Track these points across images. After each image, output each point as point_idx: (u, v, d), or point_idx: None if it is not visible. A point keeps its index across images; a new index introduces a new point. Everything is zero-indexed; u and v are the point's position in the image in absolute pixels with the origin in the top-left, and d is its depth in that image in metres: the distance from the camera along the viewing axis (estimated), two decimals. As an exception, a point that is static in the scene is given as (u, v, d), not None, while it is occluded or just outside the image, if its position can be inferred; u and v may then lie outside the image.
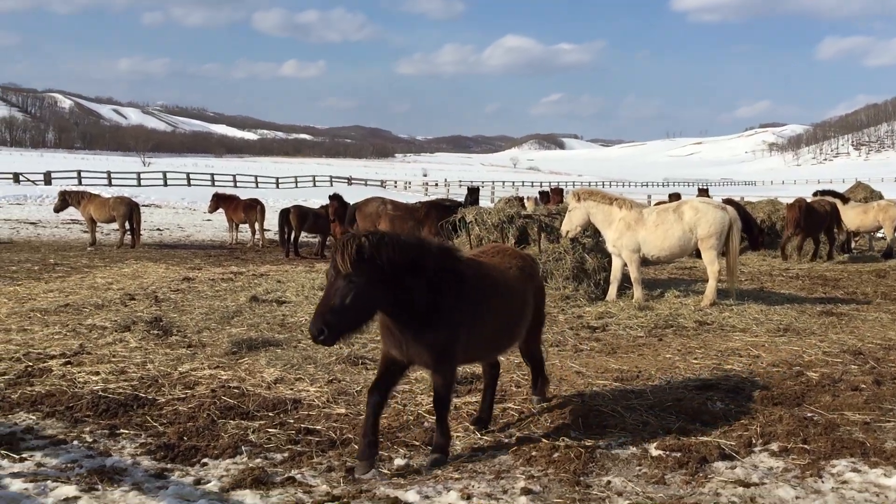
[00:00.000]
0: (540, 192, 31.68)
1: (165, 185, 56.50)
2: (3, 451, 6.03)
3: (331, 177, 72.81)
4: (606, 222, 13.15)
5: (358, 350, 9.60)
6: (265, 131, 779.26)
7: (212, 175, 63.25)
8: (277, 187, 63.04)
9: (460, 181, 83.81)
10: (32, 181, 52.03)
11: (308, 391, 7.94)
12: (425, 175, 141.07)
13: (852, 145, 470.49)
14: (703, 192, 29.70)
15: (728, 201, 20.14)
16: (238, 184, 61.28)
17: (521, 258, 6.95)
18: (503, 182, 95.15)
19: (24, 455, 6.01)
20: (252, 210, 26.44)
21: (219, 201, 27.86)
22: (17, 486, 5.34)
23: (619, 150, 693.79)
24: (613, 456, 6.21)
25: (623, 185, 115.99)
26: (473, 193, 20.12)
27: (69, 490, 5.28)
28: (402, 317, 5.62)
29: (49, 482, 5.42)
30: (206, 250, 24.58)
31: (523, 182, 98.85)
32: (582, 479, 5.71)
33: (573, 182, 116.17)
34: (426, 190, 67.18)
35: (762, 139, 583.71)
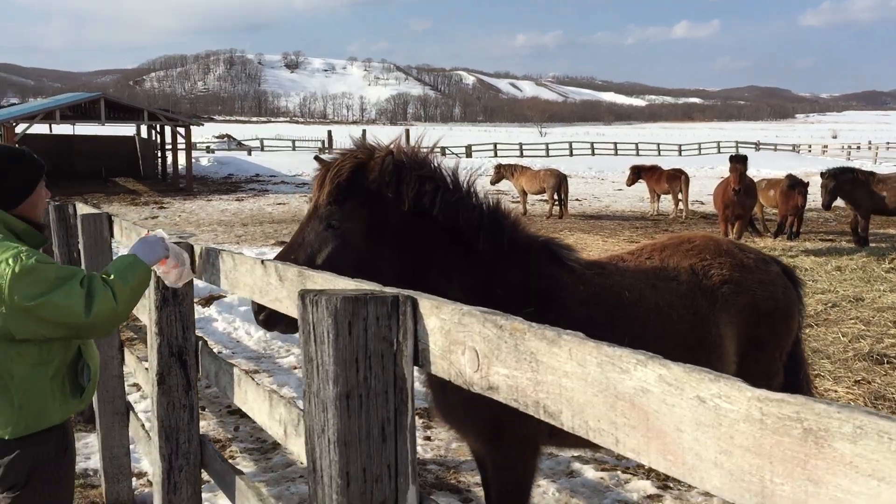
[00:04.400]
0: None
1: (571, 154, 58.21)
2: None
3: (736, 142, 68.91)
4: None
5: (874, 345, 8.47)
6: (653, 97, 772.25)
7: (615, 144, 63.66)
8: (680, 154, 61.45)
9: (887, 143, 73.99)
10: (456, 154, 57.08)
11: (836, 391, 7.12)
12: (835, 136, 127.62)
13: None
14: None
15: None
16: (640, 152, 60.97)
17: (710, 254, 3.80)
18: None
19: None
20: (676, 180, 25.74)
21: (639, 173, 27.59)
22: (591, 474, 5.35)
23: None
24: None
25: None
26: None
27: (644, 485, 5.15)
28: None
29: (619, 472, 5.36)
30: (629, 221, 24.49)
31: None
32: None
33: None
34: (848, 154, 60.42)
35: None
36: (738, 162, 16.15)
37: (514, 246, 3.26)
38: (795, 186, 18.08)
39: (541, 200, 28.46)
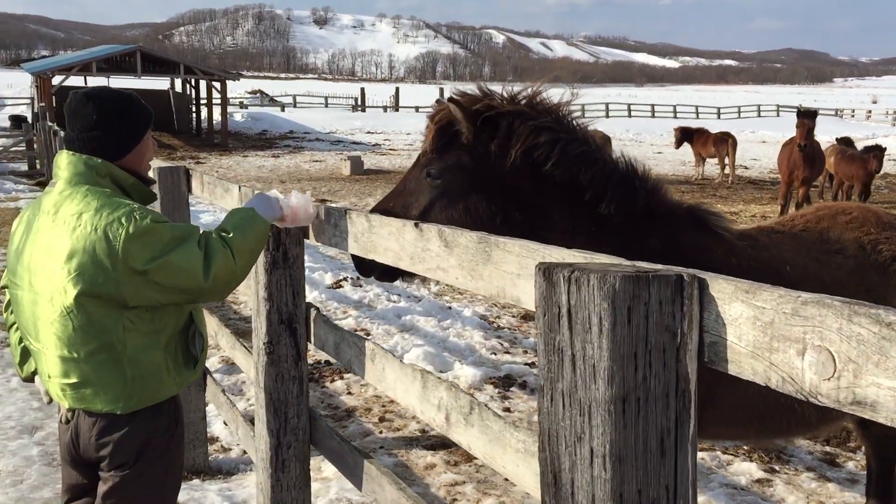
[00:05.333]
0: None
1: (607, 116, 57.18)
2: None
3: (777, 105, 67.32)
4: None
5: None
6: (686, 58, 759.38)
7: (651, 106, 62.46)
8: (719, 117, 60.18)
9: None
10: (490, 114, 56.31)
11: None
12: (874, 101, 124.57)
13: None
14: None
15: None
16: (678, 115, 59.75)
17: (874, 227, 3.39)
18: None
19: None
20: (724, 144, 25.09)
21: (685, 135, 26.90)
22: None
23: None
24: None
25: None
26: None
27: (749, 468, 4.84)
28: None
29: (718, 453, 5.06)
30: (674, 185, 23.85)
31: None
32: None
33: None
34: (894, 120, 58.82)
35: None
36: (807, 117, 14.94)
37: (652, 211, 2.89)
38: (871, 150, 17.19)
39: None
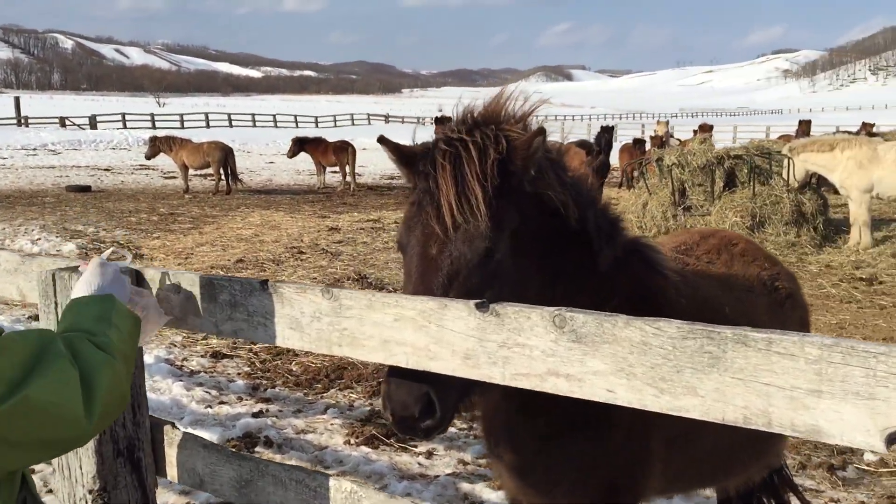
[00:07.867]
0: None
1: (208, 126, 55.37)
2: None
3: (368, 114, 71.41)
4: (829, 168, 12.35)
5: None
6: (269, 69, 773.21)
7: (252, 115, 61.95)
8: (317, 126, 61.85)
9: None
10: (79, 125, 51.00)
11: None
12: (440, 110, 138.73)
13: (869, 70, 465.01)
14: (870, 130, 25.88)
15: None
16: (278, 124, 60.10)
17: (765, 261, 3.33)
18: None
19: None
20: (343, 152, 25.52)
21: (302, 145, 26.82)
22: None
23: (628, 80, 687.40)
24: None
25: (636, 117, 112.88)
26: (608, 132, 19.00)
27: None
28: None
29: None
30: (300, 195, 23.76)
31: (544, 117, 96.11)
32: None
33: (587, 115, 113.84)
34: (468, 126, 65.93)
35: (775, 66, 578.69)
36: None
37: (623, 250, 2.52)
38: (638, 143, 19.40)
39: (198, 175, 26.53)
